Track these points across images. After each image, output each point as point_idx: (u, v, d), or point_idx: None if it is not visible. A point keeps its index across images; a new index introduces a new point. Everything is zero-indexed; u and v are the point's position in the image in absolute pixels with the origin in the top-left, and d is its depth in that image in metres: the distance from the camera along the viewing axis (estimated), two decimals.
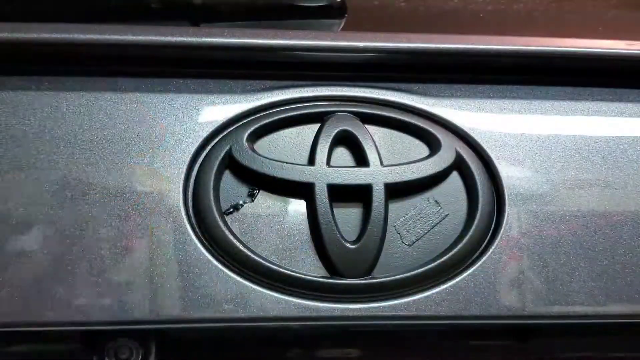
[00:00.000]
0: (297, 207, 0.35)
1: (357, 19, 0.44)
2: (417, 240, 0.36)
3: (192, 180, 0.34)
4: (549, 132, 0.38)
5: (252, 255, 0.33)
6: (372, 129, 0.37)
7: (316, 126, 0.36)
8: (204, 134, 0.35)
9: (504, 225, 0.36)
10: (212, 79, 0.36)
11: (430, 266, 0.35)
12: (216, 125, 0.35)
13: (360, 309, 0.34)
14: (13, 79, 0.35)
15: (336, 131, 0.36)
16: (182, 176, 0.34)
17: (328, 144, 0.35)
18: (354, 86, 0.37)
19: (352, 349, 0.42)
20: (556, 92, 0.39)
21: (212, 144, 0.35)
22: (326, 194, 0.34)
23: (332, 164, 0.36)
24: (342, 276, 0.34)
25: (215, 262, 0.33)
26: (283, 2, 0.42)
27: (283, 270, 0.33)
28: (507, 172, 0.37)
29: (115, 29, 0.34)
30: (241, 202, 0.35)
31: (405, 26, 0.45)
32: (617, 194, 0.37)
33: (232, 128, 0.35)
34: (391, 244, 0.35)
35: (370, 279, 0.34)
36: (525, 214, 0.36)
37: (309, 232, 0.35)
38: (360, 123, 0.36)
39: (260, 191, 0.35)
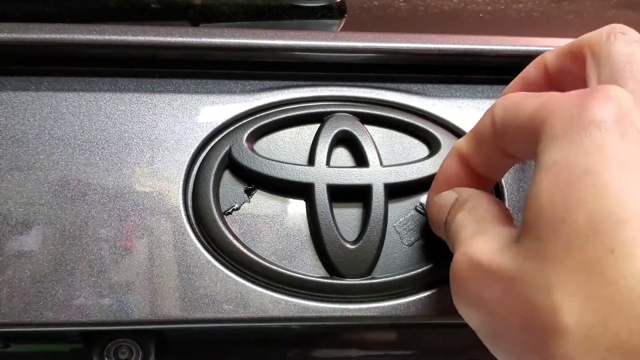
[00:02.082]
0: (297, 207, 0.35)
1: (357, 19, 0.44)
2: (416, 240, 0.36)
3: (191, 180, 0.34)
4: None
5: (252, 256, 0.33)
6: (371, 129, 0.37)
7: (316, 126, 0.36)
8: (204, 134, 0.35)
9: None
10: (212, 79, 0.36)
11: (430, 266, 0.35)
12: (216, 125, 0.35)
13: (360, 309, 0.34)
14: (13, 79, 0.35)
15: (336, 131, 0.36)
16: (182, 176, 0.34)
17: (328, 144, 0.36)
18: (354, 86, 0.38)
19: (353, 349, 0.42)
20: None
21: (212, 144, 0.35)
22: (326, 194, 0.34)
23: (331, 164, 0.36)
24: (342, 276, 0.34)
25: (215, 262, 0.33)
26: (283, 2, 0.42)
27: (283, 270, 0.33)
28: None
29: (115, 29, 0.34)
30: (239, 204, 0.35)
31: (405, 26, 0.45)
32: None
33: (231, 128, 0.35)
34: (391, 244, 0.35)
35: (370, 279, 0.34)
36: None
37: (308, 233, 0.35)
38: (360, 123, 0.36)
39: (260, 191, 0.35)
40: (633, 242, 0.21)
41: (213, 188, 0.34)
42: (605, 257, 0.21)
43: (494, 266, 0.25)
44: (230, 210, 0.35)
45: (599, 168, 0.22)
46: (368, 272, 0.34)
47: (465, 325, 0.28)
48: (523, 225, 0.25)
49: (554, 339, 0.22)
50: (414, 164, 0.36)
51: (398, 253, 0.35)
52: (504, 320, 0.25)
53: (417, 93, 0.38)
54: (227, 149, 0.35)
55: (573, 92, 0.25)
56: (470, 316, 0.28)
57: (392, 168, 0.35)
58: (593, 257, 0.21)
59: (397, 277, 0.34)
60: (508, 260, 0.25)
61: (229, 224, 0.34)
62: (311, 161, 0.35)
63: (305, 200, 0.35)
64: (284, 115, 0.36)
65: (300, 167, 0.35)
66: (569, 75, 0.30)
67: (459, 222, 0.29)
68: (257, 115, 0.36)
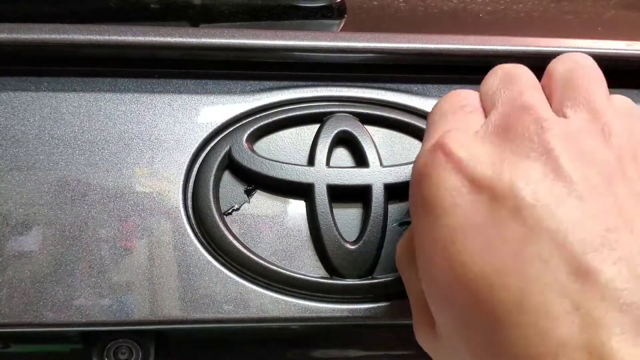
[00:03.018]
0: (297, 207, 0.35)
1: (357, 19, 0.44)
2: None
3: (191, 180, 0.34)
4: None
5: (252, 256, 0.33)
6: (371, 129, 0.37)
7: (316, 126, 0.36)
8: (204, 134, 0.35)
9: None
10: (212, 79, 0.36)
11: None
12: (216, 125, 0.35)
13: (360, 309, 0.34)
14: (13, 79, 0.35)
15: (336, 131, 0.36)
16: (182, 177, 0.34)
17: (327, 144, 0.36)
18: (354, 86, 0.38)
19: (353, 349, 0.42)
20: None
21: (212, 144, 0.35)
22: (326, 195, 0.34)
23: (331, 164, 0.36)
24: (342, 277, 0.34)
25: (215, 263, 0.33)
26: (283, 2, 0.42)
27: (283, 270, 0.34)
28: None
29: (115, 29, 0.34)
30: (239, 204, 0.35)
31: (405, 26, 0.45)
32: None
33: (231, 129, 0.35)
34: (391, 244, 0.35)
35: (370, 279, 0.34)
36: None
37: (308, 233, 0.35)
38: (360, 123, 0.36)
39: (260, 192, 0.35)
40: None
41: (213, 188, 0.34)
42: None
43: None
44: (230, 211, 0.35)
45: None
46: (368, 272, 0.34)
47: None
48: None
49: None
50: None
51: None
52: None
53: (417, 93, 0.38)
54: (227, 149, 0.35)
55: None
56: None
57: (392, 168, 0.35)
58: None
59: (397, 277, 0.34)
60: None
61: (229, 224, 0.34)
62: (311, 161, 0.35)
63: (305, 201, 0.35)
64: (284, 116, 0.36)
65: (300, 167, 0.35)
66: None
67: None
68: (257, 116, 0.36)
